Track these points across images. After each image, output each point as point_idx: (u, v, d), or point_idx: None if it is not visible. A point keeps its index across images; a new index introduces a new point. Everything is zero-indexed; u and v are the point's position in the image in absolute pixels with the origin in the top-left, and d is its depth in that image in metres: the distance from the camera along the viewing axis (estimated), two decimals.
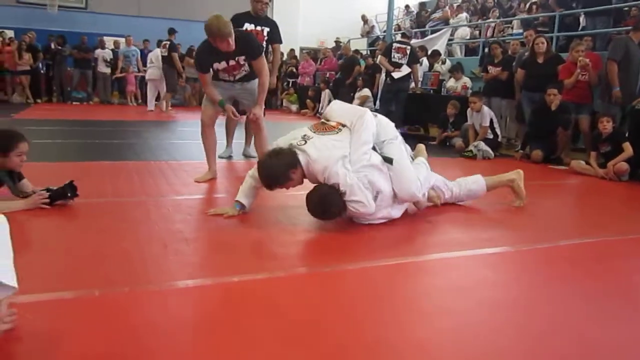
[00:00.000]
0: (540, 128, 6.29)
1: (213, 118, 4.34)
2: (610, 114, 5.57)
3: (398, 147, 3.24)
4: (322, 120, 3.28)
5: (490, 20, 11.79)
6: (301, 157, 2.93)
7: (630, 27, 6.67)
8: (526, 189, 3.87)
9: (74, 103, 13.01)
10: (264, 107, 4.38)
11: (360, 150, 3.00)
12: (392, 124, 3.38)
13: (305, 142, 2.98)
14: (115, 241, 2.61)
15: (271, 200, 3.54)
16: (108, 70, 13.53)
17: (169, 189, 3.89)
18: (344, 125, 3.13)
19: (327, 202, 2.87)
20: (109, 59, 13.46)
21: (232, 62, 4.10)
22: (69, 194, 3.18)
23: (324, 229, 3.00)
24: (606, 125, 5.36)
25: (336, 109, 3.32)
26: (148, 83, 12.07)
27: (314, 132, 3.07)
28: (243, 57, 4.11)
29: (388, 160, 3.08)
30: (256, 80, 4.28)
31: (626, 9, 8.81)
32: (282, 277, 2.26)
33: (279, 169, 2.91)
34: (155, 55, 11.65)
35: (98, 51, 13.39)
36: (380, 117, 3.33)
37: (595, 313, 2.06)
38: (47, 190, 3.14)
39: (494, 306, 2.09)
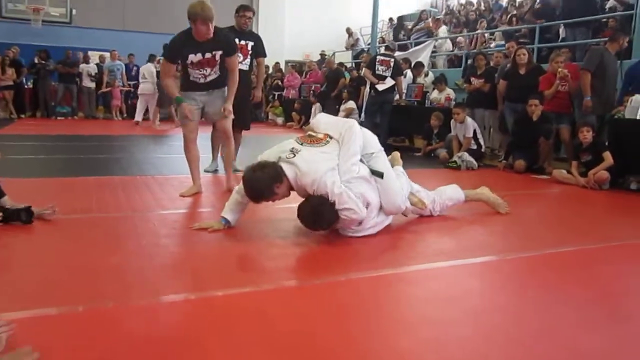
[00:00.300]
0: (522, 138, 6.39)
1: (195, 132, 4.32)
2: (590, 123, 5.66)
3: (384, 160, 3.28)
4: (309, 132, 3.30)
5: (472, 32, 11.95)
6: (289, 171, 2.94)
7: (607, 39, 6.81)
8: (510, 198, 3.93)
9: (58, 118, 12.94)
10: (250, 120, 4.40)
11: (349, 162, 3.02)
12: (376, 137, 3.41)
13: (294, 155, 2.98)
14: (100, 256, 2.60)
15: (258, 213, 3.54)
16: (93, 85, 13.49)
17: (155, 204, 3.89)
18: (331, 137, 3.15)
19: (319, 212, 2.88)
20: (93, 74, 13.43)
21: (207, 55, 4.06)
22: (23, 219, 3.08)
23: (310, 241, 3.01)
24: (586, 135, 5.45)
25: (323, 121, 3.34)
26: (139, 97, 12.08)
27: (302, 145, 3.08)
28: (220, 52, 4.10)
29: (377, 174, 3.11)
30: (224, 89, 4.32)
31: (604, 20, 9.00)
32: (270, 290, 2.26)
33: (263, 182, 2.91)
34: (149, 70, 11.67)
35: (82, 66, 13.36)
36: (364, 129, 3.36)
37: (580, 320, 2.10)
38: (2, 210, 3.07)
39: (479, 315, 2.11)
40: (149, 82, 11.59)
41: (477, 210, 3.95)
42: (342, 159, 3.02)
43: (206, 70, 4.15)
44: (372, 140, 3.32)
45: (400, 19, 15.22)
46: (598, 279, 2.67)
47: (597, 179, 5.25)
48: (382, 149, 3.36)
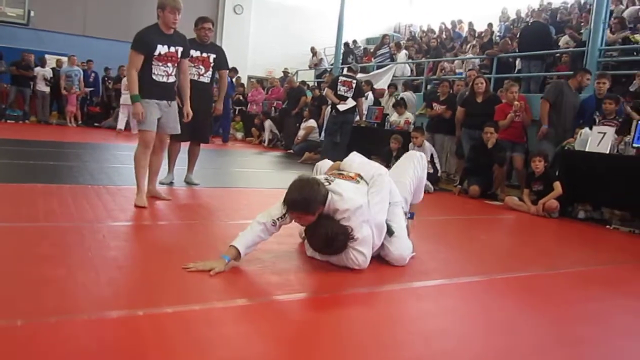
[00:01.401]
0: (477, 164, 6.55)
1: (152, 141, 4.24)
2: (543, 153, 5.86)
3: (400, 213, 3.24)
4: (340, 170, 3.22)
5: (434, 59, 12.22)
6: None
7: (561, 73, 7.11)
8: (463, 223, 3.99)
9: (8, 121, 12.46)
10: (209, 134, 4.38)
11: (375, 208, 2.94)
12: (397, 189, 3.29)
13: (329, 183, 2.92)
14: (44, 268, 2.49)
15: (214, 229, 3.48)
16: (47, 90, 13.09)
17: (105, 215, 3.76)
18: (361, 178, 3.10)
19: (334, 239, 2.79)
20: (49, 78, 13.04)
21: (172, 50, 4.20)
22: None
23: (262, 259, 2.96)
24: (538, 165, 5.63)
25: (356, 161, 3.31)
26: (121, 107, 11.98)
27: (335, 178, 3.02)
28: (181, 49, 4.26)
29: (389, 231, 3.04)
30: (176, 102, 4.41)
31: (558, 55, 9.39)
32: (218, 308, 2.21)
33: (318, 196, 2.78)
34: None
35: (38, 69, 12.96)
36: (390, 180, 3.27)
37: (529, 345, 2.13)
38: None
39: (429, 338, 2.12)
40: None
41: (426, 235, 3.99)
42: (371, 202, 2.95)
43: (169, 67, 4.22)
44: (395, 190, 3.24)
45: (347, 44, 15.40)
46: (547, 305, 2.72)
47: (547, 208, 5.42)
48: (403, 199, 3.32)
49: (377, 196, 2.99)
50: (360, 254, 2.85)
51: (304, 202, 2.76)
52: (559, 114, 6.35)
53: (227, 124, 13.00)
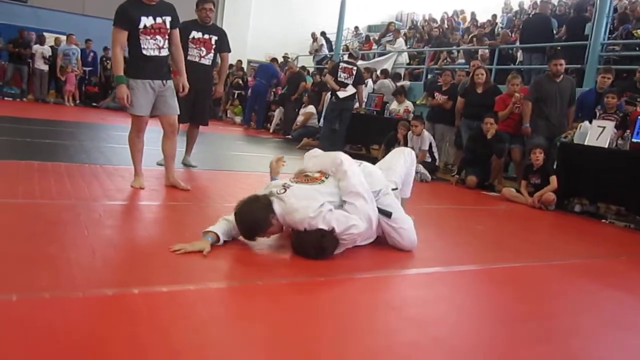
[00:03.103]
0: (475, 155, 6.54)
1: (145, 124, 4.12)
2: (542, 145, 5.85)
3: (393, 198, 3.17)
4: (304, 172, 3.12)
5: (435, 48, 12.16)
6: (277, 207, 2.77)
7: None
8: (459, 213, 3.99)
9: (5, 99, 12.38)
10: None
11: (357, 203, 2.86)
12: (380, 173, 3.25)
13: (285, 190, 2.82)
14: (40, 244, 2.48)
15: (209, 210, 3.48)
16: (46, 68, 12.98)
17: (102, 194, 3.75)
18: (327, 176, 3.01)
19: (323, 248, 2.73)
20: (47, 56, 12.92)
21: (159, 21, 3.92)
22: None
23: (260, 243, 2.96)
24: (538, 157, 5.62)
25: (313, 161, 3.21)
26: None
27: (295, 182, 2.93)
28: (169, 19, 3.97)
29: (385, 212, 3.00)
30: (172, 81, 4.16)
31: (559, 47, 9.34)
32: (213, 288, 2.21)
33: (258, 214, 2.73)
34: None
35: (36, 47, 12.84)
36: (366, 165, 3.23)
37: (514, 336, 2.14)
38: None
39: (421, 325, 2.12)
40: None
41: (423, 224, 3.99)
42: (347, 198, 2.88)
43: (159, 39, 3.96)
44: (375, 176, 3.14)
45: (323, 33, 15.17)
46: (540, 295, 2.73)
47: (544, 200, 5.43)
48: (390, 185, 3.23)
49: (348, 180, 2.89)
50: (349, 232, 2.76)
51: (251, 226, 2.76)
52: (546, 107, 6.32)
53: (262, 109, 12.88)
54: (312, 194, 2.83)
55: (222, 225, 2.79)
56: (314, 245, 2.71)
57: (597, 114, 5.80)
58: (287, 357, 1.70)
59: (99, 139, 7.29)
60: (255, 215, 2.74)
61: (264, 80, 12.56)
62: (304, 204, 2.74)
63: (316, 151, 3.38)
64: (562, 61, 6.29)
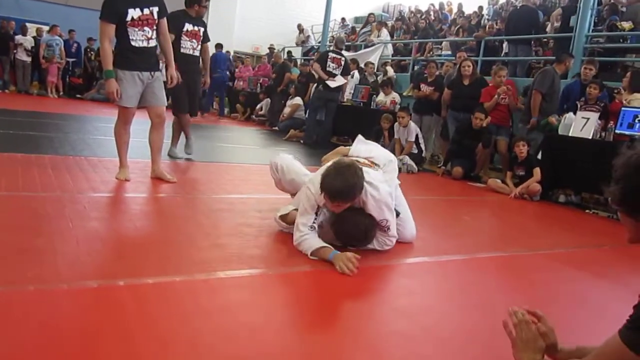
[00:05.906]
0: (462, 146, 6.57)
1: (131, 116, 4.07)
2: (527, 138, 5.88)
3: (401, 193, 3.30)
4: (351, 157, 3.11)
5: (421, 40, 12.16)
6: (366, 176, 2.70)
7: (548, 57, 7.10)
8: (446, 204, 4.01)
9: None
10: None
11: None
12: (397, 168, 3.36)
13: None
14: (24, 237, 2.45)
15: (196, 202, 3.46)
16: (29, 59, 12.77)
17: (86, 186, 3.71)
18: (375, 164, 3.09)
19: (370, 233, 2.78)
20: (30, 47, 12.71)
21: (146, 12, 3.86)
22: None
23: (245, 233, 2.95)
24: (522, 149, 5.65)
25: (364, 147, 3.30)
26: None
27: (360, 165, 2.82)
28: (156, 9, 3.92)
29: (396, 212, 3.00)
30: (160, 73, 4.11)
31: (545, 40, 9.40)
32: (199, 280, 2.21)
33: (359, 183, 2.58)
34: None
35: (19, 37, 12.61)
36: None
37: (500, 322, 2.15)
38: None
39: (412, 315, 2.13)
40: None
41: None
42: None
43: (147, 31, 3.91)
44: (394, 173, 3.28)
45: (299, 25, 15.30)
46: (525, 284, 2.76)
47: (529, 192, 5.47)
48: (397, 181, 3.30)
49: (392, 180, 3.09)
50: (390, 239, 2.89)
51: (349, 191, 2.56)
52: (550, 103, 6.34)
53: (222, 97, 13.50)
54: (380, 177, 2.89)
55: (313, 239, 2.68)
56: (364, 229, 2.75)
57: (579, 106, 5.84)
58: (275, 347, 1.70)
59: (84, 131, 7.21)
60: (358, 181, 2.57)
61: (227, 71, 13.16)
62: (385, 187, 2.80)
63: (366, 142, 3.42)
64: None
